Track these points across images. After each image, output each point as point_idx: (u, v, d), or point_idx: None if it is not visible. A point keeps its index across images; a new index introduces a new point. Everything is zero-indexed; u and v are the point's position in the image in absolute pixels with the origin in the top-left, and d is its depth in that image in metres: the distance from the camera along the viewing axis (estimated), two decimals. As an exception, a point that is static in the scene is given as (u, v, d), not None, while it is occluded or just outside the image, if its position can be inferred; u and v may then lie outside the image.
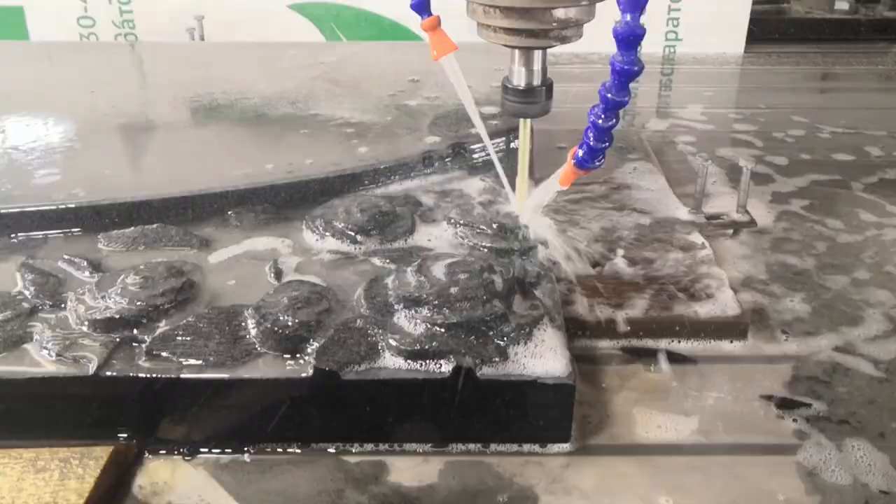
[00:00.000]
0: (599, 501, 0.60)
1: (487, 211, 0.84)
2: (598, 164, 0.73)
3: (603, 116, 0.69)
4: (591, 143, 0.71)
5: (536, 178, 0.89)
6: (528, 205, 0.85)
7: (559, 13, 0.71)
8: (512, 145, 0.98)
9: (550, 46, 0.75)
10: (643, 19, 0.63)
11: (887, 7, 2.03)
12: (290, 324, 0.64)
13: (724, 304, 0.79)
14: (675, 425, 0.67)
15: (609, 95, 0.67)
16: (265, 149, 1.00)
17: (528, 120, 0.82)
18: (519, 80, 0.77)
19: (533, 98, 0.77)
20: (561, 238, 0.85)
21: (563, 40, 0.74)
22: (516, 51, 0.76)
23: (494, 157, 0.90)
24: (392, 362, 0.63)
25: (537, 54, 0.76)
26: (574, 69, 1.68)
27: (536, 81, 0.77)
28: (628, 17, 0.63)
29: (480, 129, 0.88)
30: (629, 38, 0.63)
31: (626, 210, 0.99)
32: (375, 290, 0.70)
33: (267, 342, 0.64)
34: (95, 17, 1.80)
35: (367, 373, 0.62)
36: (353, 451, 0.64)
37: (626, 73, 0.65)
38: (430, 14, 0.80)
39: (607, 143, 0.71)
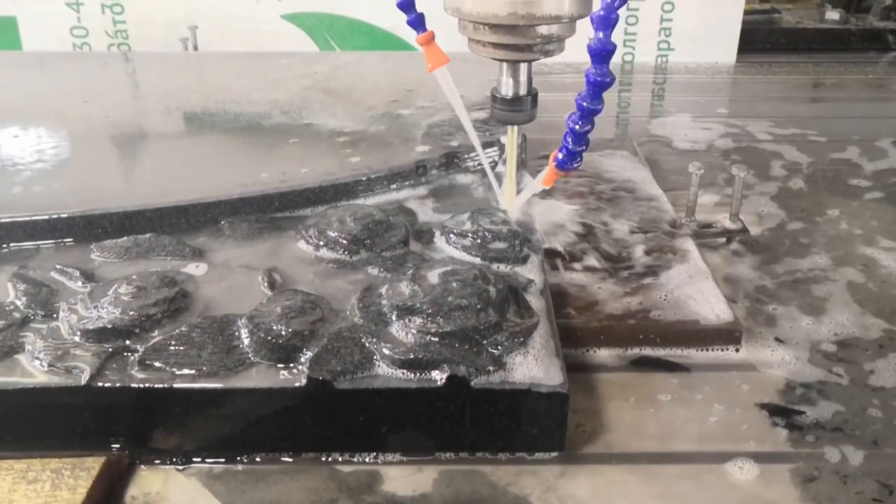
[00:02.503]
0: (594, 510, 0.60)
1: (481, 219, 0.84)
2: (576, 165, 0.80)
3: (580, 123, 0.75)
4: (570, 147, 0.78)
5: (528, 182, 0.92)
6: (516, 203, 0.90)
7: (542, 30, 0.77)
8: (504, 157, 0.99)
9: (535, 60, 0.81)
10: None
11: (877, 17, 2.04)
12: (283, 333, 0.64)
13: (718, 311, 0.79)
14: (669, 433, 0.68)
15: (584, 104, 0.73)
16: (258, 158, 1.00)
17: (516, 127, 0.87)
18: (507, 91, 0.83)
19: (519, 107, 0.83)
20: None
21: (547, 54, 0.80)
22: (504, 64, 0.81)
23: (484, 160, 0.94)
24: (386, 371, 0.63)
25: (523, 67, 0.82)
26: (566, 78, 1.68)
27: (523, 91, 0.83)
28: (601, 35, 0.68)
29: (471, 133, 0.92)
30: (602, 53, 0.69)
31: (618, 216, 1.00)
32: (369, 299, 0.70)
33: (260, 351, 0.64)
34: (88, 26, 1.80)
35: (361, 382, 0.62)
36: (347, 460, 0.64)
37: (599, 84, 0.71)
38: (425, 29, 0.85)
39: (584, 147, 0.78)
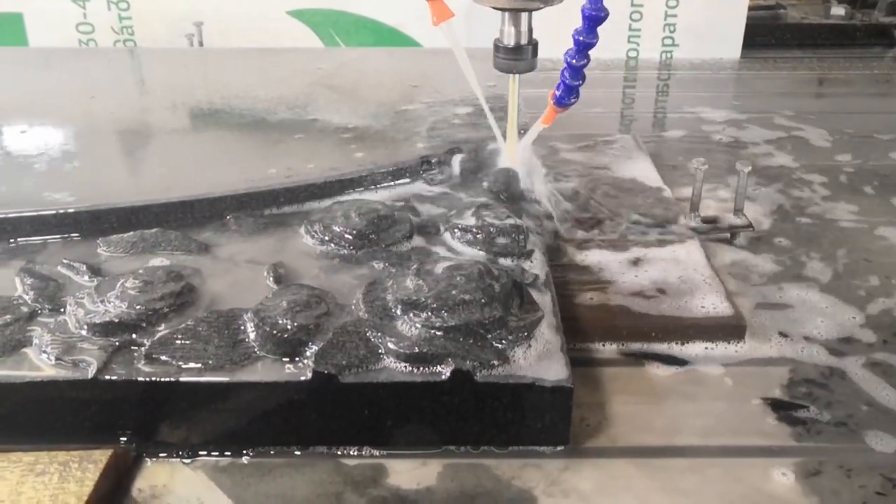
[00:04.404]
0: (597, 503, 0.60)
1: (486, 214, 0.84)
2: (573, 101, 0.85)
3: (576, 57, 0.80)
4: (567, 82, 0.83)
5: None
6: (519, 146, 0.96)
7: None
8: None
9: (536, 9, 0.85)
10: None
11: (883, 12, 2.04)
12: (288, 327, 0.65)
13: (722, 306, 0.79)
14: (673, 427, 0.68)
15: (580, 38, 0.78)
16: (263, 154, 1.00)
17: (517, 76, 0.91)
18: (508, 40, 0.87)
19: (520, 55, 0.88)
20: (547, 185, 0.99)
21: (547, 3, 0.84)
22: (506, 13, 0.86)
23: (487, 111, 0.97)
24: (391, 365, 0.63)
25: (524, 16, 0.86)
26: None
27: (524, 41, 0.87)
28: None
29: (474, 85, 0.95)
30: None
31: (622, 212, 1.00)
32: (374, 293, 0.70)
33: (266, 345, 0.64)
34: (94, 23, 1.81)
35: (366, 376, 0.62)
36: (352, 453, 0.64)
37: (594, 18, 0.76)
38: None
39: (580, 82, 0.83)
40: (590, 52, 0.82)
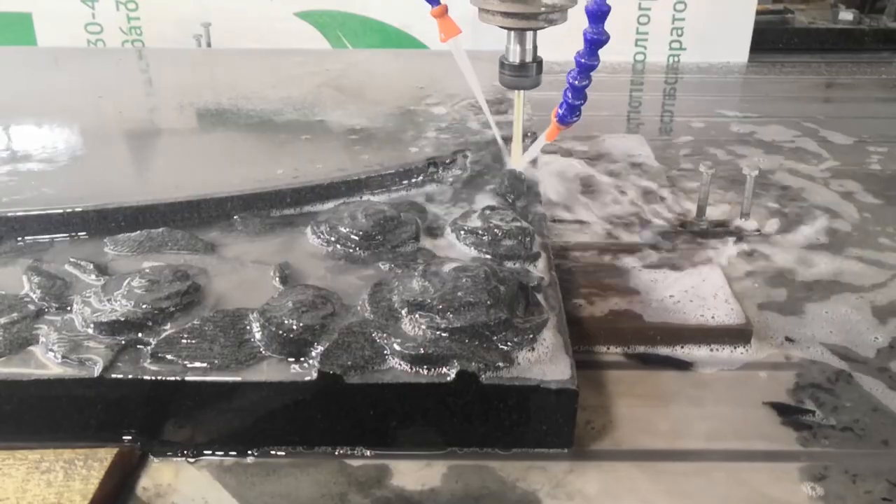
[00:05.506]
0: (602, 506, 0.60)
1: (492, 216, 0.84)
2: (575, 119, 0.88)
3: (578, 78, 0.83)
4: (570, 101, 0.85)
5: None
6: (523, 160, 0.98)
7: (547, 0, 0.84)
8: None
9: (540, 28, 0.87)
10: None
11: (892, 17, 2.03)
12: (294, 327, 0.65)
13: (728, 310, 0.79)
14: (678, 431, 0.68)
15: (583, 60, 0.81)
16: (271, 154, 1.00)
17: (522, 91, 0.94)
18: (514, 58, 0.90)
19: (525, 72, 0.90)
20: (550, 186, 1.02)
21: (551, 23, 0.86)
22: (512, 32, 0.88)
23: (493, 124, 1.01)
24: (396, 366, 0.63)
25: (529, 35, 0.89)
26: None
27: (528, 58, 0.90)
28: None
29: (481, 99, 0.99)
30: (598, 13, 0.77)
31: (629, 213, 1.00)
32: (380, 294, 0.70)
33: (271, 345, 0.64)
34: (103, 23, 1.81)
35: (371, 377, 0.62)
36: (357, 454, 0.64)
37: (595, 41, 0.78)
38: (438, 3, 0.92)
39: (582, 101, 0.86)
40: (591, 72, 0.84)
